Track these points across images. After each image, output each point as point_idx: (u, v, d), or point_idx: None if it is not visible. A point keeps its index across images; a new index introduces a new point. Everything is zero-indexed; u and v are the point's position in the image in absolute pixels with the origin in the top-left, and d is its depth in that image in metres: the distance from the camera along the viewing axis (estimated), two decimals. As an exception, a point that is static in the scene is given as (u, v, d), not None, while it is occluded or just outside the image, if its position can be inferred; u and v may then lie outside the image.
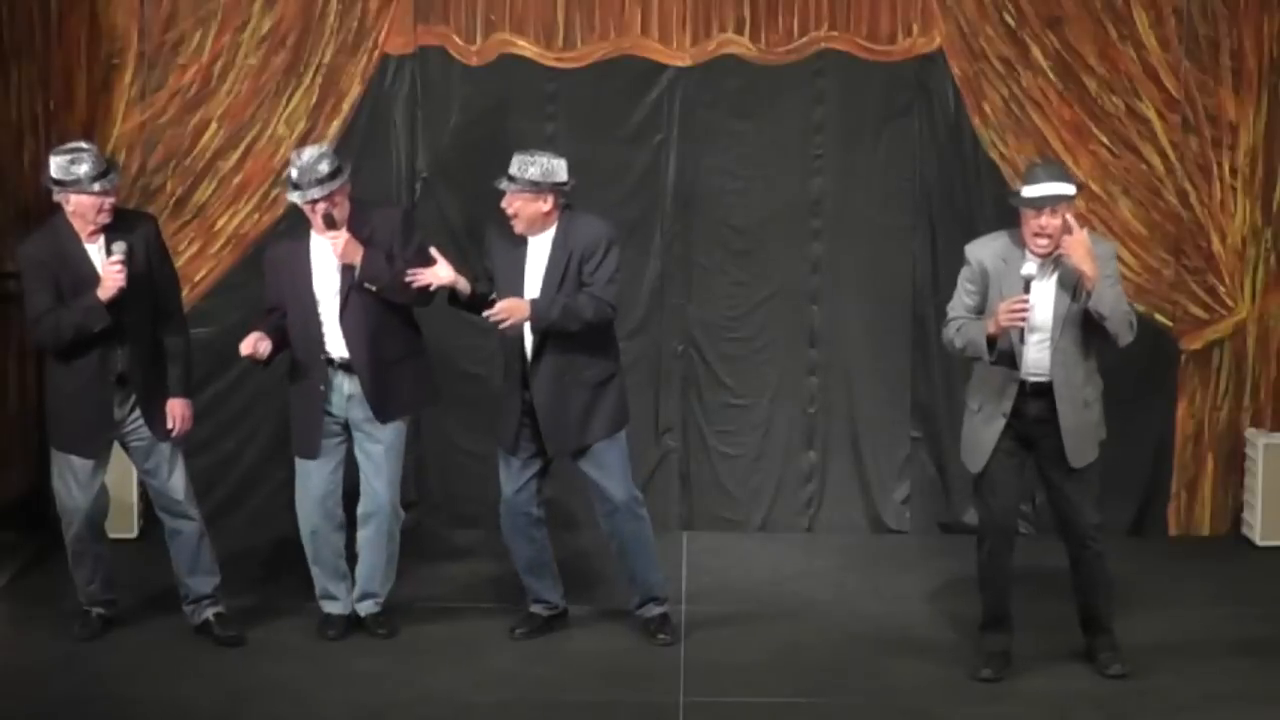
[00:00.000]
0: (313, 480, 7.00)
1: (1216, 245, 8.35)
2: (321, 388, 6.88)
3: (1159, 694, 6.53)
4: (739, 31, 8.31)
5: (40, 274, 6.70)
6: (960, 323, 6.51)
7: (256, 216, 8.26)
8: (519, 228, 6.82)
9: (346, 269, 6.80)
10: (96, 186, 6.62)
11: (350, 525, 7.11)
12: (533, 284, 6.80)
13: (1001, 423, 6.46)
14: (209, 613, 7.00)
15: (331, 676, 6.70)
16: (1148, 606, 7.38)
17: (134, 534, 8.21)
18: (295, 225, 7.05)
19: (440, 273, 6.78)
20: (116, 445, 6.94)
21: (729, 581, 7.89)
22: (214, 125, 8.20)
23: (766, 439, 8.58)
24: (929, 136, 8.38)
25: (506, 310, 6.69)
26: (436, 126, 8.32)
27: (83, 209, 6.66)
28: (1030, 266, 6.32)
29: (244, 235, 8.25)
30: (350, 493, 7.11)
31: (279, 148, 8.19)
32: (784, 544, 8.44)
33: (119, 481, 7.48)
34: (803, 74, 8.33)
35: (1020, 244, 6.43)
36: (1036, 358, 6.40)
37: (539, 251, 6.83)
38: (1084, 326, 6.39)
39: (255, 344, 6.74)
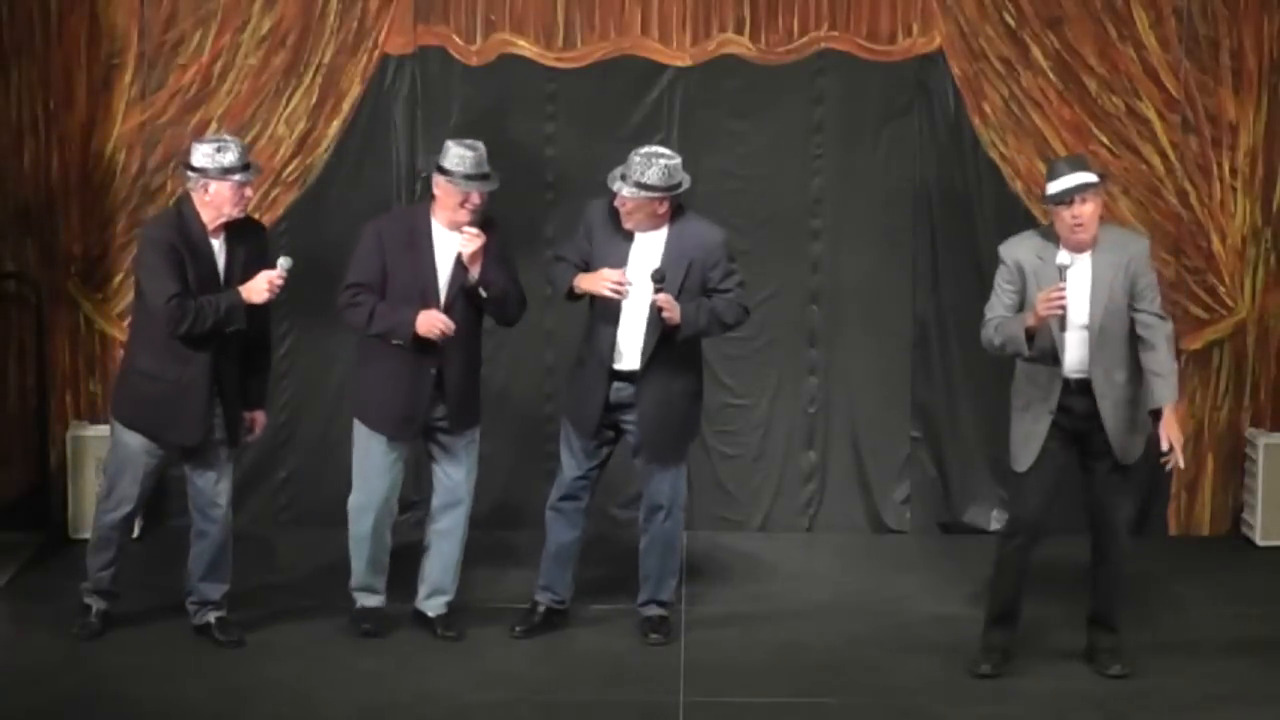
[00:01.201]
0: (382, 476, 6.94)
1: (1216, 245, 8.35)
2: (434, 372, 6.81)
3: (1159, 694, 6.54)
4: (739, 31, 8.31)
5: (171, 256, 6.65)
6: (998, 320, 6.52)
7: (256, 216, 8.22)
8: (629, 224, 6.78)
9: (458, 271, 6.76)
10: (239, 177, 6.67)
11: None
12: (638, 280, 6.74)
13: (1049, 420, 6.47)
14: (211, 616, 7.00)
15: (332, 676, 6.70)
16: (1148, 606, 7.38)
17: (134, 534, 8.19)
18: (414, 209, 7.01)
19: (610, 280, 6.72)
20: None
21: (729, 581, 7.89)
22: (214, 125, 8.19)
23: (766, 439, 8.58)
24: (929, 136, 8.38)
25: (668, 304, 6.65)
26: (436, 126, 8.31)
27: (221, 198, 6.68)
28: (1065, 256, 6.34)
29: (244, 235, 8.24)
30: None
31: (279, 148, 8.19)
32: (784, 544, 8.44)
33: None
34: (803, 74, 8.33)
35: (1054, 239, 6.45)
36: (1079, 354, 6.42)
37: (648, 250, 6.78)
38: (1123, 323, 6.41)
39: (447, 325, 6.69)
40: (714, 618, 7.38)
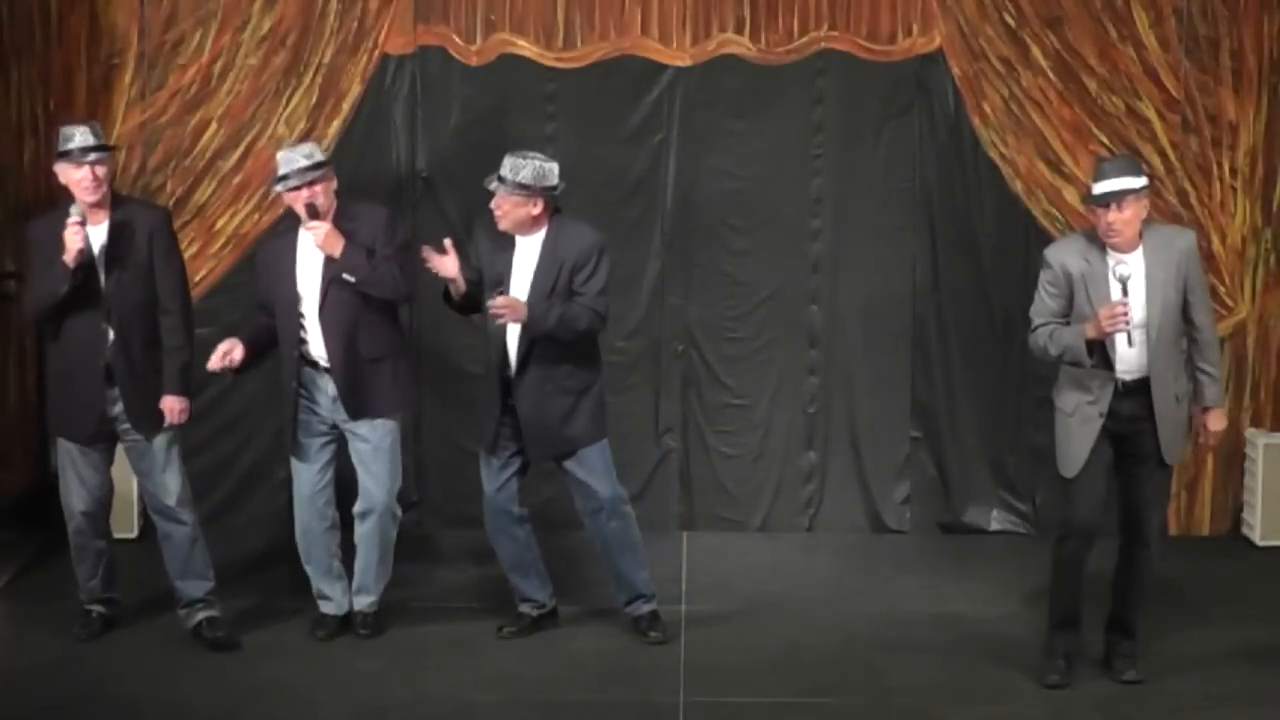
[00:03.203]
0: (302, 480, 7.04)
1: (1216, 245, 8.35)
2: (294, 384, 6.89)
3: (1159, 694, 6.53)
4: (739, 31, 8.31)
5: (38, 252, 6.73)
6: (1051, 328, 6.41)
7: (256, 216, 8.26)
8: (504, 226, 6.81)
9: (329, 264, 6.80)
10: (90, 158, 6.65)
11: (346, 524, 7.11)
12: (519, 286, 6.80)
13: (1099, 423, 6.39)
14: (201, 616, 6.98)
15: (331, 676, 6.70)
16: (1148, 606, 7.36)
17: (134, 534, 8.21)
18: (289, 224, 7.06)
19: (448, 264, 6.78)
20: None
21: (729, 581, 7.88)
22: (214, 125, 8.20)
23: (766, 439, 8.58)
24: (929, 136, 8.38)
25: (507, 306, 6.69)
26: (436, 126, 8.32)
27: (70, 182, 6.68)
28: (1124, 268, 6.27)
29: (244, 235, 8.24)
30: (346, 493, 7.12)
31: (279, 148, 8.17)
32: (784, 544, 8.44)
33: (119, 481, 7.45)
34: (803, 74, 8.33)
35: (1098, 241, 6.37)
36: (1133, 356, 6.35)
37: (527, 254, 6.83)
38: (1177, 321, 6.38)
39: (224, 356, 6.79)
40: (714, 618, 7.38)
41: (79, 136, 6.69)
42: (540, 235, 6.82)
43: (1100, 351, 6.34)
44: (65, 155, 6.68)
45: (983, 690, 6.60)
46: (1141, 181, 6.33)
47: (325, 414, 6.95)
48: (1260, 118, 8.31)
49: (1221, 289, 8.37)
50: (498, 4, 8.27)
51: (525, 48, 8.29)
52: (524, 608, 7.17)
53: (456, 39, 8.29)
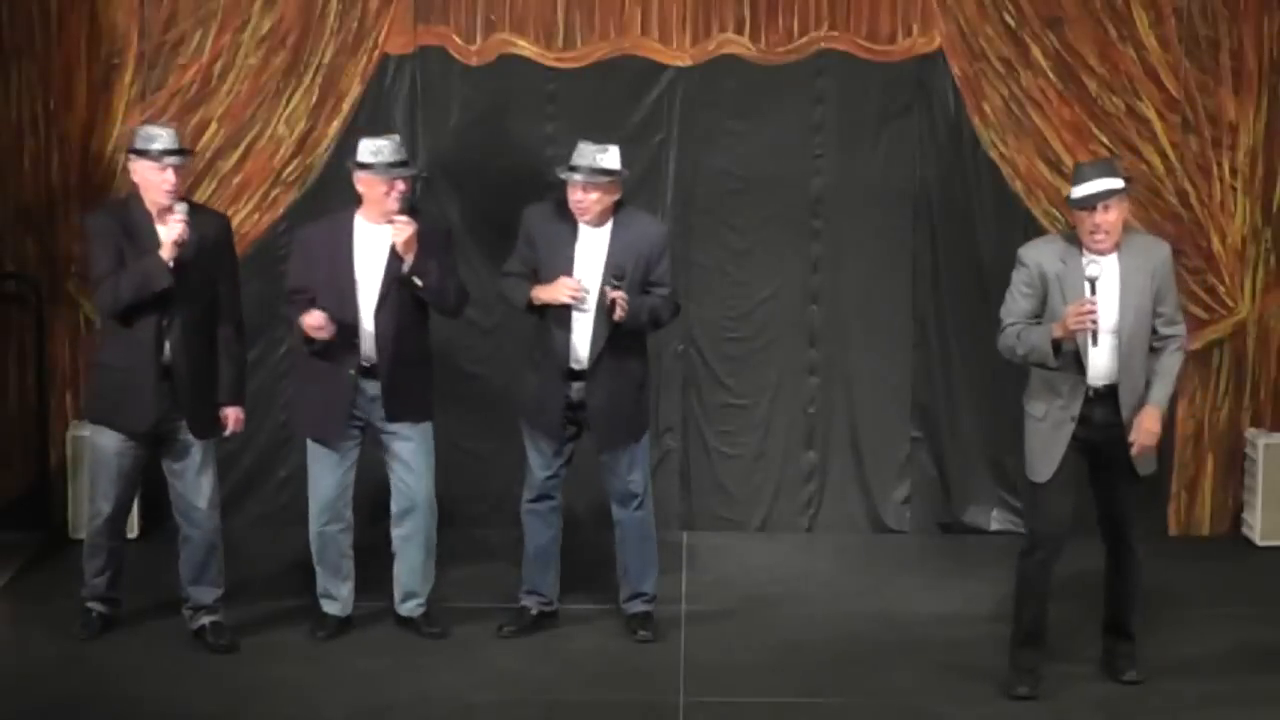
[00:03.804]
0: (327, 481, 6.97)
1: (1216, 245, 8.35)
2: (352, 372, 6.81)
3: (1159, 694, 6.53)
4: (739, 31, 8.30)
5: (106, 240, 6.71)
6: (1020, 328, 6.41)
7: (257, 216, 8.25)
8: (587, 218, 6.82)
9: (393, 263, 6.76)
10: (166, 160, 6.67)
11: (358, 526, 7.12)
12: (588, 278, 6.80)
13: (1070, 429, 6.37)
14: (204, 620, 6.98)
15: (332, 676, 6.71)
16: (1148, 606, 7.34)
17: (134, 534, 8.19)
18: (334, 210, 7.02)
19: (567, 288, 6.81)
20: None
21: (729, 581, 7.89)
22: (214, 125, 8.19)
23: (766, 439, 8.58)
24: (929, 136, 8.38)
25: (624, 303, 6.70)
26: (436, 126, 8.32)
27: (148, 182, 6.69)
28: (1094, 268, 6.25)
29: (244, 235, 8.22)
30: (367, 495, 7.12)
31: (279, 148, 8.19)
32: (784, 544, 8.44)
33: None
34: (803, 74, 8.33)
35: (1077, 244, 6.35)
36: (1103, 361, 6.33)
37: (593, 244, 6.83)
38: (1148, 330, 6.36)
39: (326, 323, 6.69)
40: (714, 618, 7.38)
41: (165, 138, 6.70)
42: (607, 226, 6.84)
43: (1073, 355, 6.32)
44: (146, 154, 6.67)
45: (983, 690, 6.60)
46: (1122, 182, 6.34)
47: (360, 414, 6.91)
48: (1260, 118, 8.31)
49: (1221, 289, 8.38)
50: (498, 4, 8.26)
51: (525, 48, 8.29)
52: (527, 601, 7.16)
53: (456, 39, 8.29)
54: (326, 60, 8.21)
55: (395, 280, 6.78)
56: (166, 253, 6.62)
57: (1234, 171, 8.32)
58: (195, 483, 6.88)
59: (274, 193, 8.21)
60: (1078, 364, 6.33)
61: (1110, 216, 6.27)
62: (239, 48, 8.18)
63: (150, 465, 6.98)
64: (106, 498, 6.88)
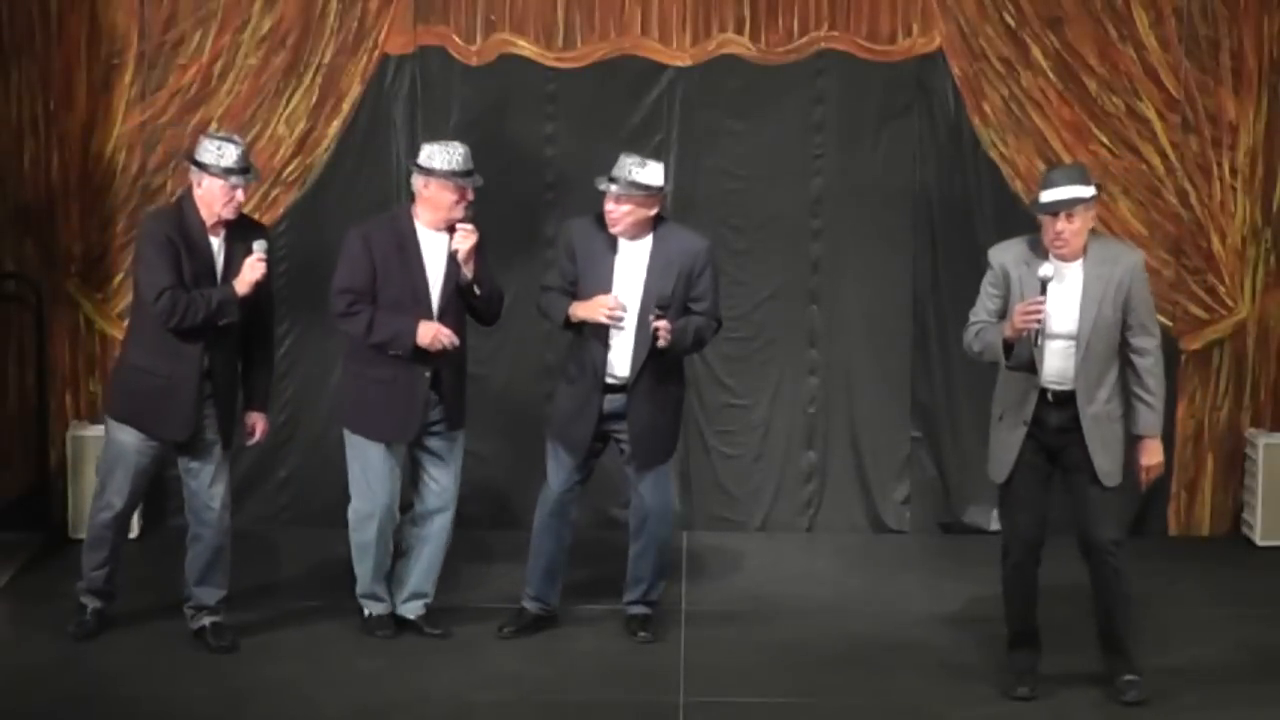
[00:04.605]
0: (385, 484, 6.91)
1: (1216, 245, 8.35)
2: (428, 374, 6.80)
3: (1159, 694, 6.52)
4: (739, 31, 8.31)
5: (166, 250, 6.67)
6: (980, 326, 6.43)
7: (256, 216, 8.21)
8: (620, 231, 6.80)
9: (452, 270, 6.77)
10: (234, 179, 6.67)
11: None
12: (628, 294, 6.79)
13: (1023, 431, 6.36)
14: (205, 620, 6.97)
15: (331, 676, 6.70)
16: (1148, 606, 7.36)
17: (134, 534, 8.19)
18: (395, 214, 7.00)
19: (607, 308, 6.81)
20: None
21: (729, 581, 7.89)
22: (214, 125, 8.19)
23: (766, 439, 8.58)
24: (929, 136, 8.38)
25: (666, 333, 6.69)
26: (436, 126, 8.32)
27: (212, 196, 6.68)
28: (1048, 268, 6.21)
29: (244, 235, 8.24)
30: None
31: (279, 148, 8.19)
32: (784, 544, 8.44)
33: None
34: (803, 74, 8.33)
35: (1042, 248, 6.33)
36: (1059, 366, 6.30)
37: (634, 259, 6.82)
38: (1111, 339, 6.30)
39: (450, 337, 6.72)
40: (714, 618, 7.38)
41: (235, 154, 6.68)
42: (648, 240, 6.82)
43: (1028, 357, 6.29)
44: (213, 169, 6.64)
45: (982, 690, 6.60)
46: (1091, 191, 6.29)
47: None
48: (1260, 118, 8.31)
49: (1221, 289, 8.38)
50: (498, 4, 8.27)
51: (525, 48, 8.29)
52: (528, 604, 7.16)
53: (456, 39, 8.29)
54: (326, 60, 8.21)
55: (456, 288, 6.79)
56: (242, 290, 6.66)
57: (1234, 171, 8.32)
58: (211, 483, 6.89)
59: (274, 193, 8.21)
60: (1032, 366, 6.32)
61: (1073, 225, 6.23)
62: (239, 48, 8.19)
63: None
64: (120, 494, 6.86)
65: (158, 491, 7.73)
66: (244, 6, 8.17)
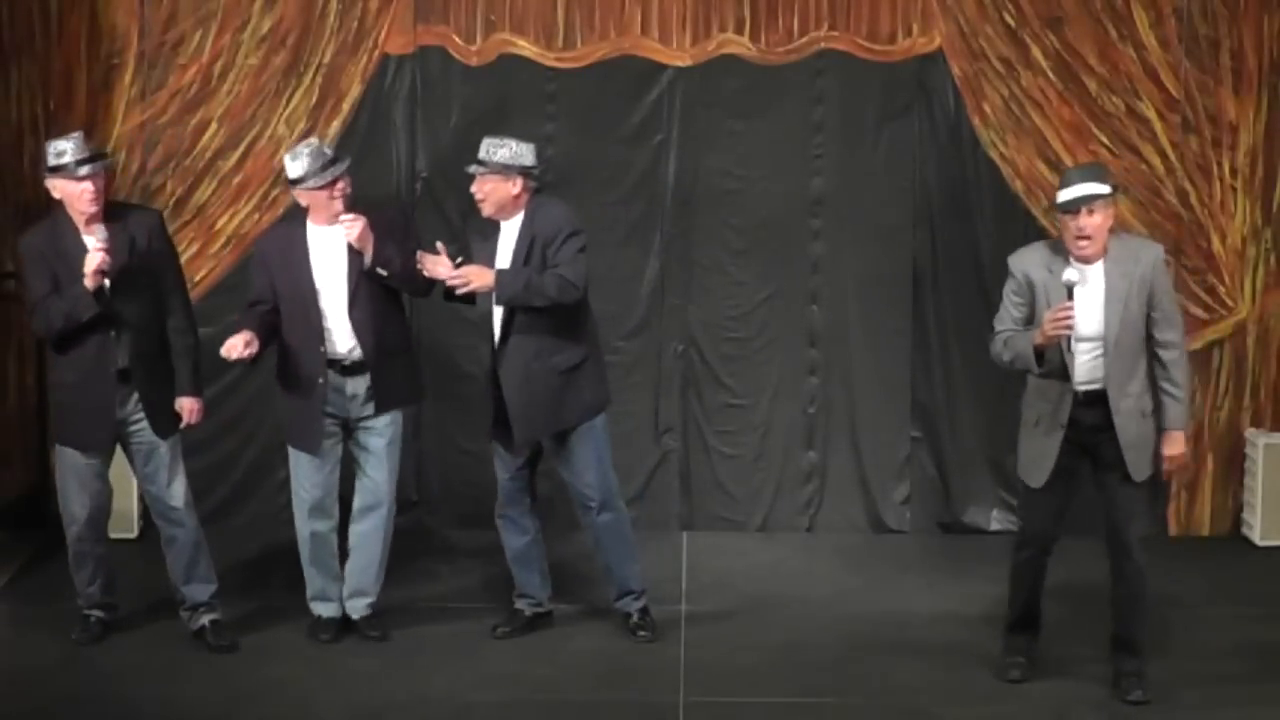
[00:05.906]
0: (310, 482, 7.00)
1: (1216, 245, 8.35)
2: (321, 381, 6.85)
3: (1159, 694, 6.52)
4: (739, 31, 8.31)
5: (38, 264, 6.71)
6: (1007, 335, 6.41)
7: (256, 216, 8.26)
8: (486, 210, 6.83)
9: (355, 259, 6.79)
10: (82, 171, 6.62)
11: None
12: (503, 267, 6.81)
13: (1061, 435, 6.35)
14: (204, 620, 6.98)
15: (330, 677, 6.71)
16: (1148, 620, 7.36)
17: (134, 534, 8.21)
18: (289, 218, 7.06)
19: (441, 266, 6.76)
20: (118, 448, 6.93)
21: (729, 581, 7.88)
22: (214, 125, 8.20)
23: (766, 439, 8.58)
24: (929, 136, 8.38)
25: (468, 274, 6.67)
26: (436, 126, 8.33)
27: (69, 195, 6.66)
28: (1072, 273, 6.21)
29: (244, 235, 8.24)
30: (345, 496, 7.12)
31: (279, 148, 8.18)
32: (784, 544, 8.44)
33: (118, 482, 7.45)
34: (803, 74, 8.33)
35: (1063, 251, 6.33)
36: (1089, 367, 6.30)
37: (509, 237, 6.84)
38: (1138, 334, 6.31)
39: (244, 347, 6.69)
40: (714, 618, 7.38)
41: (71, 149, 6.65)
42: (519, 217, 6.83)
43: (1059, 361, 6.29)
44: (60, 170, 6.64)
45: (982, 690, 6.60)
46: (1109, 188, 6.30)
47: (338, 412, 6.93)
48: (1260, 118, 8.31)
49: (1221, 289, 8.38)
50: (498, 4, 8.27)
51: (525, 48, 8.29)
52: (519, 604, 7.17)
53: (456, 39, 8.29)
54: (326, 60, 8.21)
55: (361, 276, 6.80)
56: (90, 283, 6.59)
57: (1234, 171, 8.32)
58: (168, 484, 6.88)
59: (274, 193, 8.22)
60: (1064, 370, 6.32)
61: (1095, 220, 6.23)
62: (239, 48, 8.19)
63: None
64: (81, 506, 6.85)
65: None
66: (244, 6, 8.17)
